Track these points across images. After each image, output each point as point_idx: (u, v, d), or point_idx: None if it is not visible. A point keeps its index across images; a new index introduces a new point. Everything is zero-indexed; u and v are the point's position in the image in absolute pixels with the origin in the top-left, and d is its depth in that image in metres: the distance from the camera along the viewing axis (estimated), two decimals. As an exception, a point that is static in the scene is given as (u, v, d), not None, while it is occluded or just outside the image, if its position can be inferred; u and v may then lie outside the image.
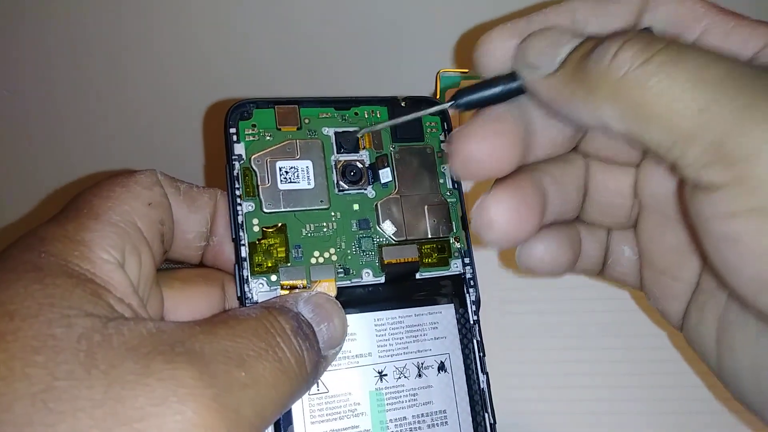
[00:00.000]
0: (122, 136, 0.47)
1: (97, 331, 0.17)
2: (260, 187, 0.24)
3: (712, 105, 0.16)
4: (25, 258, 0.18)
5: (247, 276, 0.23)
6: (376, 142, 0.26)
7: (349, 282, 0.25)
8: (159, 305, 0.23)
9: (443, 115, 0.28)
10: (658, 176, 0.22)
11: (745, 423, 0.36)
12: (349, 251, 0.25)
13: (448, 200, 0.27)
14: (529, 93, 0.21)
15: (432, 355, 0.25)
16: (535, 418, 0.38)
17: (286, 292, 0.23)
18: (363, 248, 0.25)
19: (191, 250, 0.24)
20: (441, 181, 0.27)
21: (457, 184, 0.27)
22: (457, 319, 0.26)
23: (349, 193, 0.26)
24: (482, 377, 0.25)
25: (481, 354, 0.25)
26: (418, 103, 0.27)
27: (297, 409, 0.23)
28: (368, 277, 0.25)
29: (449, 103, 0.22)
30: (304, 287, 0.24)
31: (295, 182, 0.25)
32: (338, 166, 0.26)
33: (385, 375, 0.24)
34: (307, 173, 0.25)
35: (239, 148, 0.25)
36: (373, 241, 0.25)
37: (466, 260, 0.26)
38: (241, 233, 0.24)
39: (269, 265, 0.24)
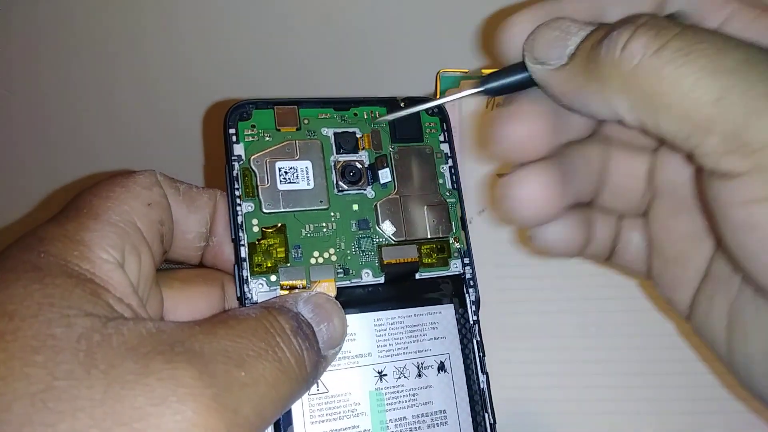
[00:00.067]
0: (122, 137, 0.47)
1: (97, 330, 0.17)
2: (260, 187, 0.24)
3: (729, 93, 0.16)
4: (24, 258, 0.18)
5: (247, 276, 0.23)
6: (375, 143, 0.26)
7: (348, 282, 0.25)
8: (159, 305, 0.23)
9: (442, 114, 0.28)
10: (674, 163, 0.22)
11: (752, 412, 0.36)
12: (348, 251, 0.25)
13: (448, 200, 0.27)
14: (540, 87, 0.21)
15: (432, 355, 0.25)
16: (535, 418, 0.38)
17: (286, 292, 0.23)
18: (362, 248, 0.25)
19: (191, 250, 0.24)
20: (440, 181, 0.27)
21: (456, 184, 0.27)
22: (456, 319, 0.26)
23: (349, 194, 0.26)
24: (482, 377, 0.25)
25: (481, 354, 0.25)
26: (417, 103, 0.27)
27: (297, 409, 0.23)
28: (368, 278, 0.25)
29: (477, 89, 0.22)
30: (304, 287, 0.24)
31: (294, 183, 0.25)
32: (338, 167, 0.26)
33: (385, 375, 0.24)
34: (307, 174, 0.25)
35: (239, 149, 0.25)
36: (373, 241, 0.25)
37: (466, 260, 0.26)
38: (240, 233, 0.24)
39: (269, 265, 0.24)
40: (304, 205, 0.25)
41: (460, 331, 0.25)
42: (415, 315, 0.25)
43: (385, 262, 0.25)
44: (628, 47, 0.17)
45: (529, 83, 0.21)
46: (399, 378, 0.24)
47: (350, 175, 0.26)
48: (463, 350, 0.25)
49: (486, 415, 0.25)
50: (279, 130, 0.25)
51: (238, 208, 0.24)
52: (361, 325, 0.24)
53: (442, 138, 0.27)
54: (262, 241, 0.24)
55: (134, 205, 0.21)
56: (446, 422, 0.24)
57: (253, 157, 0.25)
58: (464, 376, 0.25)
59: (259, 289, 0.23)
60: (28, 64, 0.45)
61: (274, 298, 0.23)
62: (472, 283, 0.26)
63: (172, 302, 0.23)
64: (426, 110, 0.27)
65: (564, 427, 0.37)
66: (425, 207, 0.26)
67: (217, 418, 0.16)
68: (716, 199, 0.17)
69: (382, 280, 0.25)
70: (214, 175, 0.44)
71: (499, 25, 0.22)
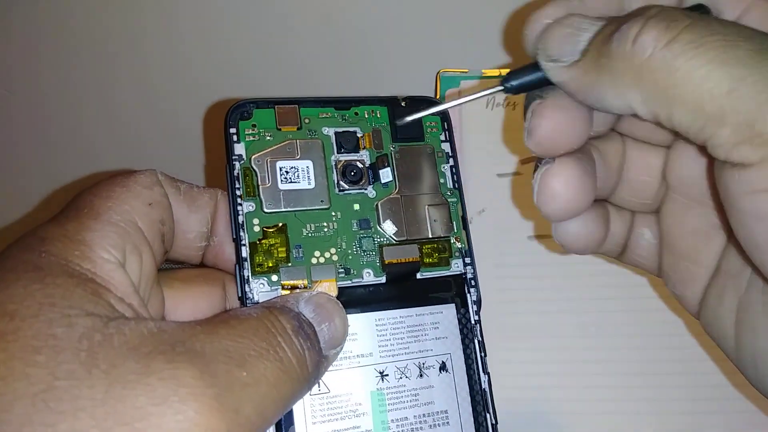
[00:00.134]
0: (122, 136, 0.46)
1: (98, 330, 0.17)
2: (261, 187, 0.24)
3: (741, 84, 0.16)
4: (25, 258, 0.18)
5: (248, 276, 0.23)
6: (376, 142, 0.26)
7: (349, 282, 0.25)
8: (160, 305, 0.22)
9: (443, 115, 0.28)
10: (687, 159, 0.23)
11: (756, 411, 0.36)
12: (349, 251, 0.25)
13: (449, 200, 0.27)
14: (556, 84, 0.21)
15: (433, 355, 0.25)
16: (535, 418, 0.38)
17: (287, 292, 0.23)
18: (364, 248, 0.25)
19: (192, 250, 0.24)
20: (441, 180, 0.27)
21: (457, 184, 0.27)
22: (458, 319, 0.26)
23: (350, 193, 0.26)
24: (484, 377, 0.25)
25: (483, 354, 0.25)
26: (418, 102, 0.27)
27: (298, 409, 0.23)
28: (369, 277, 0.25)
29: (499, 87, 0.22)
30: (305, 287, 0.24)
31: (295, 182, 0.25)
32: (338, 166, 0.26)
33: (387, 375, 0.24)
34: (308, 173, 0.25)
35: (239, 148, 0.25)
36: (374, 241, 0.25)
37: (467, 260, 0.26)
38: (241, 233, 0.24)
39: (270, 265, 0.24)
40: (305, 204, 0.25)
41: (461, 331, 0.25)
42: (416, 315, 0.25)
43: (386, 262, 0.25)
44: (639, 40, 0.17)
45: (549, 81, 0.21)
46: (400, 378, 0.24)
47: (351, 174, 0.26)
48: (464, 350, 0.25)
49: (488, 415, 0.25)
50: (280, 129, 0.25)
51: (239, 207, 0.24)
52: (362, 324, 0.24)
53: (443, 137, 0.27)
54: (263, 241, 0.24)
55: (135, 204, 0.21)
56: (448, 422, 0.24)
57: (254, 157, 0.25)
58: (466, 376, 0.25)
59: (260, 289, 0.23)
60: (28, 64, 0.45)
61: (275, 297, 0.23)
62: (473, 282, 0.26)
63: (173, 302, 0.23)
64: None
65: (564, 427, 0.37)
66: (426, 206, 0.26)
67: (219, 417, 0.16)
68: (727, 190, 0.18)
69: (383, 279, 0.25)
70: (214, 175, 0.44)
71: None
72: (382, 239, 0.25)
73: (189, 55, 0.44)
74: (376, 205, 0.26)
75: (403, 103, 0.27)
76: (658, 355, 0.38)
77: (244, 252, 0.24)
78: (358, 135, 0.26)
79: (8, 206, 0.47)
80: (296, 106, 0.26)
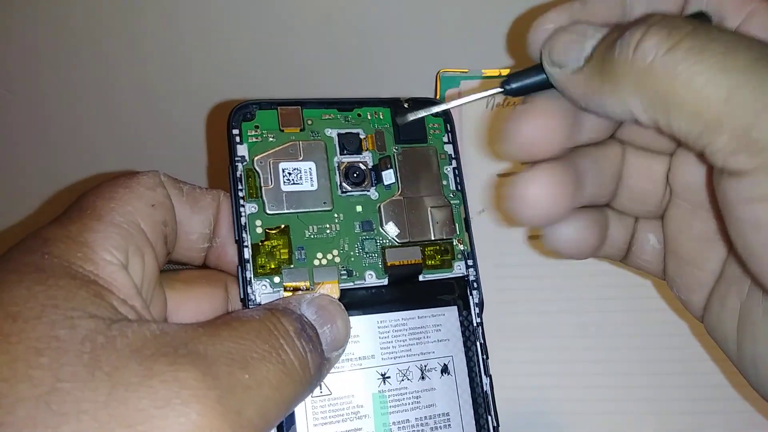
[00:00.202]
0: (125, 138, 0.46)
1: (101, 332, 0.17)
2: (263, 188, 0.24)
3: (738, 93, 0.16)
4: (28, 259, 0.18)
5: (250, 277, 0.23)
6: (379, 144, 0.26)
7: (352, 284, 0.25)
8: (162, 307, 0.22)
9: (446, 115, 0.28)
10: (690, 165, 0.23)
11: (757, 412, 0.36)
12: (352, 253, 0.25)
13: (452, 202, 0.27)
14: (558, 90, 0.21)
15: (435, 358, 0.25)
16: (535, 418, 0.38)
17: (289, 293, 0.23)
18: (366, 250, 0.25)
19: (194, 251, 0.24)
20: (444, 182, 0.27)
21: (460, 186, 0.27)
22: (460, 321, 0.26)
23: (352, 195, 0.26)
24: (485, 380, 0.25)
25: (485, 356, 0.25)
26: (420, 103, 0.27)
27: (300, 411, 0.23)
28: (371, 279, 0.25)
29: (498, 89, 0.22)
30: (307, 289, 0.24)
31: (298, 184, 0.25)
32: (341, 168, 0.26)
33: (388, 377, 0.24)
34: (310, 175, 0.25)
35: (242, 150, 0.25)
36: (376, 242, 0.25)
37: (470, 262, 0.26)
38: (244, 235, 0.24)
39: (272, 266, 0.24)
40: (307, 206, 0.25)
41: (463, 333, 0.25)
42: (418, 317, 0.25)
43: (388, 264, 0.25)
44: (641, 47, 0.17)
45: (550, 84, 0.21)
46: (402, 380, 0.24)
47: (354, 176, 0.26)
48: (466, 353, 0.25)
49: (489, 417, 0.25)
50: (282, 130, 0.25)
51: (242, 209, 0.24)
52: (364, 327, 0.24)
53: (446, 139, 0.27)
54: (265, 243, 0.24)
55: (138, 206, 0.21)
56: (449, 425, 0.24)
57: (256, 158, 0.25)
58: (467, 378, 0.25)
59: (262, 291, 0.23)
60: (28, 64, 0.45)
61: (277, 299, 0.23)
62: (475, 285, 0.26)
63: (175, 303, 0.23)
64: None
65: (564, 427, 0.37)
66: (429, 208, 0.26)
67: (221, 420, 0.16)
68: (725, 198, 0.18)
69: (385, 281, 0.25)
70: (217, 176, 0.44)
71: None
72: (384, 241, 0.25)
73: (191, 56, 0.44)
74: (379, 206, 0.26)
75: (406, 105, 0.27)
76: (658, 355, 0.38)
77: (247, 253, 0.24)
78: (361, 136, 0.26)
79: (10, 208, 0.47)
80: (299, 107, 0.26)
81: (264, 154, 0.25)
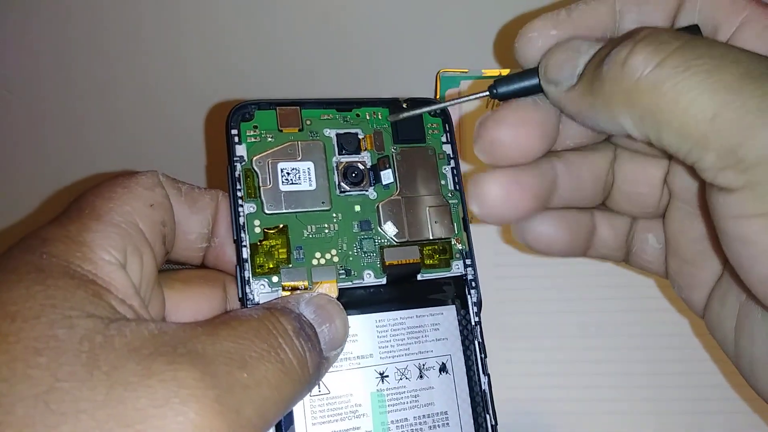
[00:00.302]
0: (124, 137, 0.46)
1: (99, 332, 0.17)
2: (262, 188, 0.24)
3: (725, 110, 0.16)
4: (26, 259, 0.18)
5: (249, 277, 0.23)
6: (377, 144, 0.26)
7: (350, 283, 0.25)
8: (160, 306, 0.22)
9: (444, 115, 0.28)
10: (690, 169, 0.23)
11: (755, 412, 0.36)
12: (350, 252, 0.25)
13: (450, 201, 0.27)
14: (556, 107, 0.21)
15: (433, 357, 0.25)
16: (535, 418, 0.38)
17: (288, 293, 0.23)
18: (364, 249, 0.25)
19: (193, 251, 0.24)
20: (443, 182, 0.27)
21: (458, 186, 0.27)
22: (458, 320, 0.26)
23: (351, 195, 0.26)
24: (484, 379, 0.25)
25: (483, 355, 0.25)
26: (419, 104, 0.27)
27: (298, 410, 0.23)
28: (369, 279, 0.25)
29: (484, 93, 0.22)
30: (306, 288, 0.24)
31: (296, 183, 0.25)
32: (340, 168, 0.26)
33: (387, 376, 0.24)
34: (309, 175, 0.25)
35: (241, 150, 0.25)
36: (375, 242, 0.25)
37: (468, 261, 0.26)
38: (242, 234, 0.24)
39: (271, 266, 0.24)
40: (306, 206, 0.25)
41: (461, 332, 0.25)
42: (416, 316, 0.25)
43: (386, 264, 0.25)
44: (628, 63, 0.17)
45: (538, 90, 0.21)
46: (401, 379, 0.24)
47: (352, 176, 0.26)
48: (464, 351, 0.25)
49: (487, 416, 0.25)
50: (281, 131, 0.25)
51: (240, 209, 0.24)
52: (362, 326, 0.24)
53: (444, 139, 0.27)
54: (263, 242, 0.24)
55: (136, 205, 0.21)
56: (448, 424, 0.24)
57: (255, 158, 0.25)
58: (466, 377, 0.25)
59: (260, 290, 0.23)
60: (27, 64, 0.45)
61: (276, 299, 0.23)
62: (474, 284, 0.26)
63: (173, 303, 0.23)
64: (429, 111, 0.27)
65: (564, 427, 0.38)
66: (427, 208, 0.26)
67: (220, 419, 0.16)
68: (715, 212, 0.18)
69: (383, 281, 0.25)
70: (216, 176, 0.44)
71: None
72: (382, 240, 0.25)
73: (190, 56, 0.44)
74: (377, 206, 0.26)
75: (404, 105, 0.27)
76: (658, 355, 0.38)
77: (245, 253, 0.24)
78: (360, 136, 0.26)
79: (9, 207, 0.47)
80: (298, 107, 0.26)
81: (263, 154, 0.25)
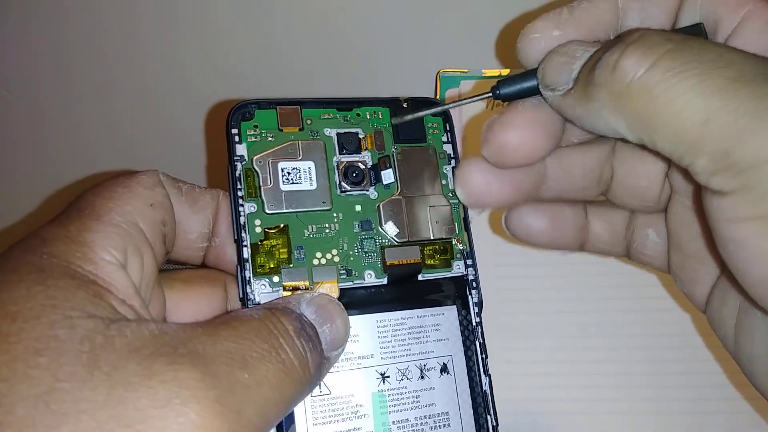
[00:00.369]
0: (124, 137, 0.47)
1: (100, 332, 0.17)
2: (262, 188, 0.24)
3: (717, 114, 0.16)
4: (27, 259, 0.18)
5: (250, 277, 0.23)
6: (378, 143, 0.26)
7: (351, 283, 0.25)
8: (161, 306, 0.22)
9: (445, 115, 0.28)
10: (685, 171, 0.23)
11: (755, 412, 0.36)
12: (351, 252, 0.25)
13: (451, 201, 0.27)
14: (555, 111, 0.21)
15: (434, 357, 0.25)
16: (535, 418, 0.38)
17: (289, 293, 0.23)
18: (365, 249, 0.25)
19: (193, 250, 0.24)
20: (443, 182, 0.27)
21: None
22: (459, 320, 0.25)
23: (352, 194, 0.26)
24: (485, 379, 0.25)
25: (484, 356, 0.25)
26: (419, 103, 0.27)
27: (299, 410, 0.23)
28: (370, 279, 0.25)
29: (487, 94, 0.22)
30: (307, 288, 0.24)
31: (297, 183, 0.25)
32: (340, 167, 0.26)
33: (388, 377, 0.24)
34: (310, 174, 0.25)
35: (241, 149, 0.25)
36: (376, 242, 0.25)
37: (469, 262, 0.26)
38: (243, 234, 0.24)
39: (271, 266, 0.24)
40: (306, 205, 0.25)
41: (462, 332, 0.25)
42: (417, 316, 0.25)
43: (387, 264, 0.25)
44: (619, 66, 0.17)
45: (539, 91, 0.21)
46: (402, 380, 0.24)
47: (353, 175, 0.26)
48: (465, 352, 0.25)
49: (488, 417, 0.25)
50: (282, 130, 0.25)
51: (241, 208, 0.24)
52: (363, 326, 0.24)
53: (445, 139, 0.27)
54: (264, 242, 0.24)
55: (137, 205, 0.21)
56: (449, 424, 0.24)
57: (255, 158, 0.25)
58: (467, 378, 0.25)
59: (261, 290, 0.23)
60: (27, 64, 0.45)
61: (276, 299, 0.23)
62: (474, 284, 0.26)
63: (174, 303, 0.23)
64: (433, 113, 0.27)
65: (564, 427, 0.37)
66: (428, 208, 0.26)
67: (221, 420, 0.16)
68: (709, 214, 0.18)
69: (384, 281, 0.25)
70: (216, 176, 0.44)
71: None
72: (383, 240, 0.25)
73: (190, 56, 0.44)
74: (378, 206, 0.26)
75: (405, 104, 0.27)
76: (658, 355, 0.38)
77: (246, 253, 0.23)
78: (360, 136, 0.26)
79: (10, 207, 0.47)
80: (298, 107, 0.26)
81: (263, 154, 0.25)
